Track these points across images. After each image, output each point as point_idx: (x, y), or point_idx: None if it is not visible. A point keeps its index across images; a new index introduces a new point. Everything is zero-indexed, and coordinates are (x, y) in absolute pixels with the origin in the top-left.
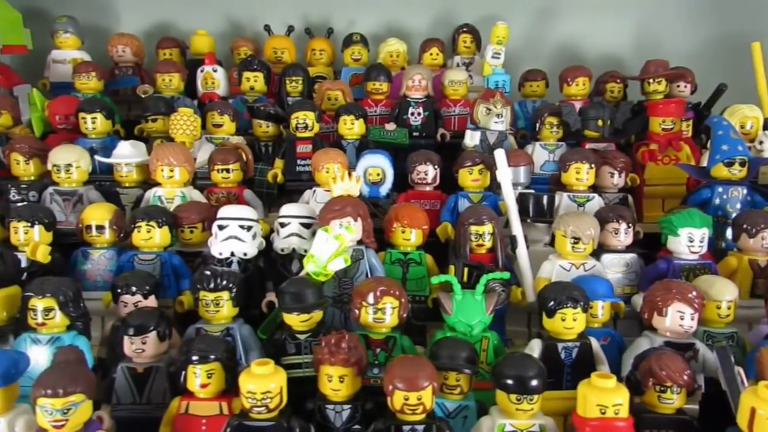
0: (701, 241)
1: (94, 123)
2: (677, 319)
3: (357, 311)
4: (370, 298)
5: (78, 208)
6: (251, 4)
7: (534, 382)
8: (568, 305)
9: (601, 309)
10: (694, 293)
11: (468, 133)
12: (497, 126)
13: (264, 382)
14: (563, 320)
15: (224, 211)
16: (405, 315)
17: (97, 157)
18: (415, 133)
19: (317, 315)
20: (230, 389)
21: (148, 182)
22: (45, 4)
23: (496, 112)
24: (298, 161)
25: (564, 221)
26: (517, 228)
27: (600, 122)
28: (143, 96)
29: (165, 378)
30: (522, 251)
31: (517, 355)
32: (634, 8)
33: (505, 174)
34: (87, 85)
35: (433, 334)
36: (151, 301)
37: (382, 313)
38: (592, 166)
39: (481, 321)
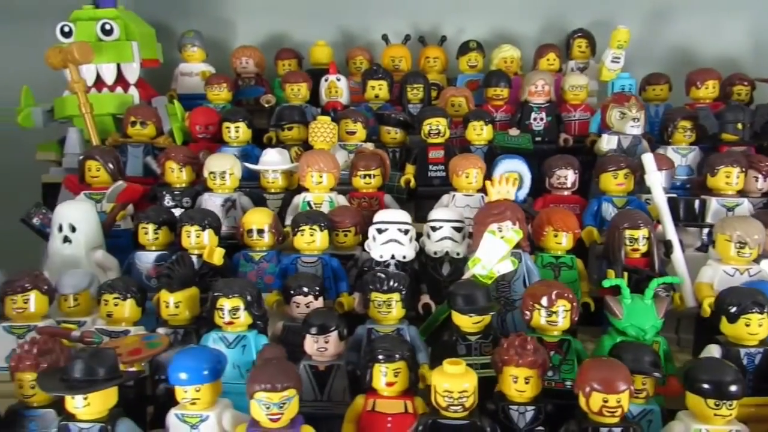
0: None
1: (237, 132)
2: None
3: (529, 313)
4: (544, 301)
5: (231, 213)
6: (363, 14)
7: (734, 387)
8: (754, 310)
9: None
10: None
11: (604, 137)
12: (633, 130)
13: (459, 381)
14: (748, 326)
15: (383, 215)
16: (576, 318)
17: (246, 164)
18: (537, 138)
19: (488, 317)
20: (412, 388)
21: (289, 189)
22: (168, 19)
23: (632, 116)
24: (430, 167)
25: (730, 225)
26: (671, 232)
27: (740, 125)
28: (266, 105)
29: (345, 376)
30: (678, 256)
31: (713, 359)
32: (750, 7)
33: (655, 178)
34: (219, 96)
35: (600, 340)
36: (320, 302)
37: (556, 316)
38: (743, 170)
39: (653, 325)
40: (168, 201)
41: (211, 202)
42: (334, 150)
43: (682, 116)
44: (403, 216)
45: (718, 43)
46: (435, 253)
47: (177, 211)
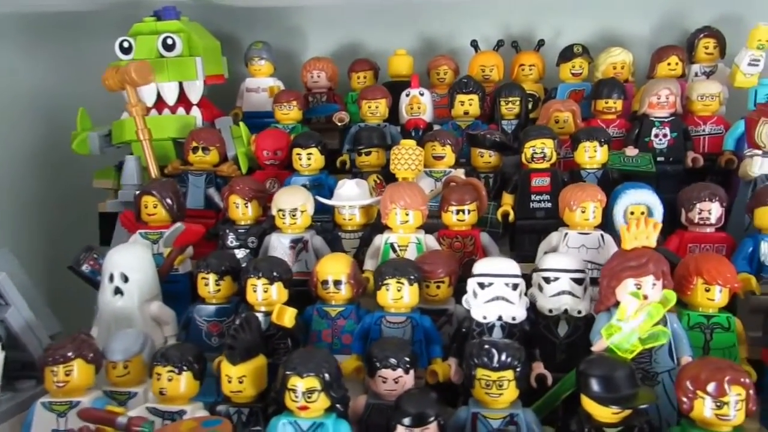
0: None
1: (309, 159)
2: None
3: (688, 402)
4: (712, 388)
5: (302, 256)
6: (446, 19)
7: None
8: None
9: None
10: None
11: (756, 159)
12: None
13: None
14: None
15: (486, 265)
16: (754, 408)
17: (320, 198)
18: (659, 158)
19: None
20: None
21: (368, 224)
22: (234, 30)
23: None
24: (533, 196)
25: None
26: None
27: None
28: (339, 124)
29: None
30: None
31: None
32: None
33: None
34: (288, 116)
35: None
36: (412, 377)
37: (728, 408)
38: None
39: None
40: (231, 241)
41: (279, 243)
42: (418, 178)
43: None
44: (512, 267)
45: None
46: (550, 311)
47: (240, 252)
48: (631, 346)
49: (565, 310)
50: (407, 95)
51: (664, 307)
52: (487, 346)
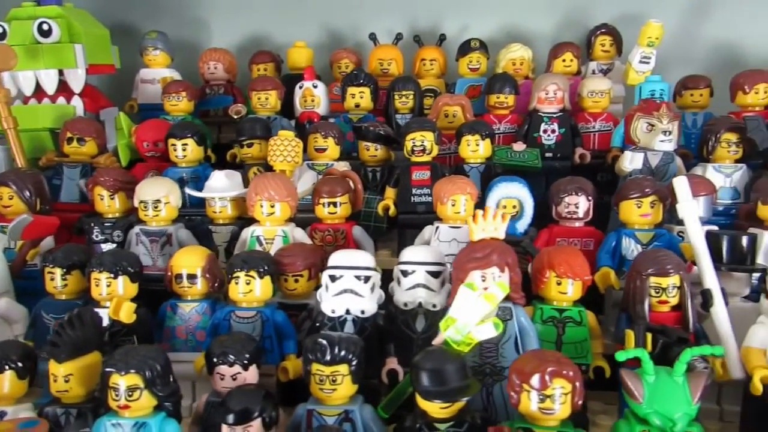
0: None
1: (185, 150)
2: None
3: (516, 396)
4: (536, 381)
5: (167, 249)
6: (352, 12)
7: None
8: None
9: None
10: None
11: (627, 154)
12: (663, 145)
13: None
14: None
15: (337, 257)
16: (579, 402)
17: (188, 190)
18: (547, 154)
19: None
20: None
21: (243, 218)
22: (133, 19)
23: (662, 129)
24: (414, 190)
25: None
26: (711, 279)
27: None
28: (236, 117)
29: None
30: (720, 311)
31: None
32: None
33: (689, 208)
34: (177, 107)
35: (615, 427)
36: (252, 373)
37: (552, 402)
38: None
39: (686, 413)
40: (96, 234)
41: (142, 237)
42: (301, 171)
43: (726, 127)
44: (363, 259)
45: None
46: (405, 304)
47: (107, 247)
48: (465, 338)
49: (420, 304)
50: (300, 87)
51: (495, 298)
52: (320, 341)
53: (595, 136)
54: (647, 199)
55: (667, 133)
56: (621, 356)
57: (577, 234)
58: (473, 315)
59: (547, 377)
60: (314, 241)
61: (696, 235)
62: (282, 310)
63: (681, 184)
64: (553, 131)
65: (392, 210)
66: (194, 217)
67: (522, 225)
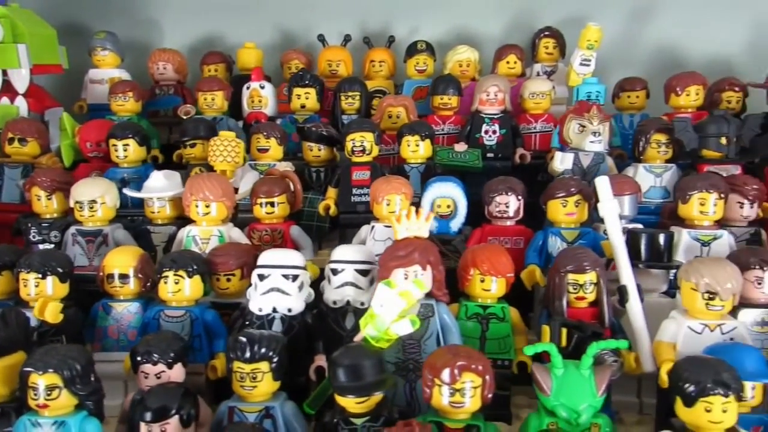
0: None
1: (126, 150)
2: None
3: (428, 390)
4: (446, 376)
5: (103, 250)
6: (305, 13)
7: None
8: (717, 392)
9: (752, 390)
10: None
11: (557, 155)
12: (593, 146)
13: None
14: (708, 411)
15: (265, 256)
16: (489, 395)
17: (126, 191)
18: (489, 155)
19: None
20: None
21: (183, 218)
22: (84, 19)
23: (593, 129)
24: (354, 190)
25: (695, 270)
26: (627, 275)
27: (723, 140)
28: (185, 117)
29: None
30: (635, 306)
31: None
32: (748, 4)
33: (609, 207)
34: (123, 107)
35: (527, 420)
36: (177, 371)
37: (461, 395)
38: (722, 196)
39: (591, 405)
40: (34, 235)
41: (78, 237)
42: (243, 171)
43: (656, 128)
44: (292, 258)
45: (709, 43)
46: (334, 302)
47: (45, 248)
48: (383, 335)
49: (348, 302)
50: (247, 88)
51: (410, 295)
52: (240, 338)
53: (536, 137)
54: (572, 199)
55: (597, 134)
56: (529, 351)
57: (507, 233)
58: (391, 312)
59: (456, 371)
60: (252, 241)
61: (614, 233)
62: (213, 309)
63: (602, 184)
64: (494, 132)
65: (333, 210)
66: (137, 217)
67: (455, 224)
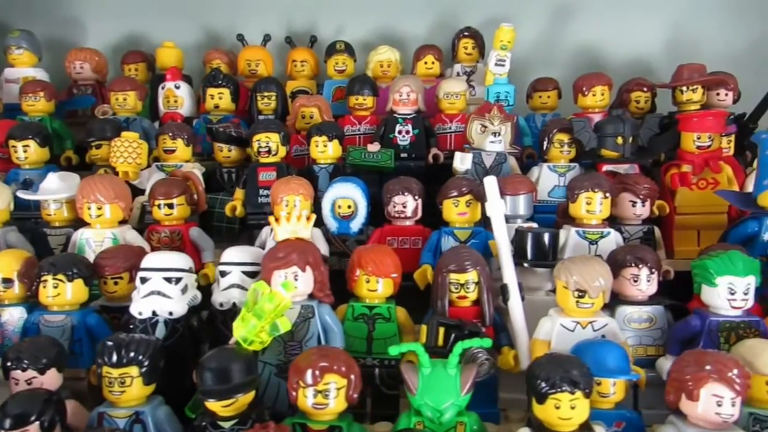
0: (745, 293)
1: (26, 151)
2: (713, 405)
3: (294, 393)
4: (308, 377)
5: None
6: (229, 12)
7: None
8: (564, 389)
9: (613, 387)
10: (736, 371)
11: (457, 155)
12: (493, 146)
13: None
14: (557, 408)
15: (148, 259)
16: (355, 396)
17: (20, 193)
18: (403, 155)
19: (246, 397)
20: None
21: (81, 220)
22: (5, 18)
23: (493, 130)
24: (261, 191)
25: (566, 269)
26: (509, 274)
27: (619, 139)
28: (102, 117)
29: None
30: (515, 304)
31: None
32: (666, 6)
33: (495, 206)
34: (34, 107)
35: (398, 419)
36: (50, 377)
37: (324, 397)
38: (607, 195)
39: (454, 404)
40: None
41: None
42: (149, 172)
43: (558, 128)
44: (175, 260)
45: (628, 45)
46: (221, 304)
47: None
48: (254, 337)
49: (234, 304)
50: (163, 88)
51: (279, 297)
52: (107, 343)
53: (451, 137)
54: (463, 198)
55: (497, 134)
56: (393, 350)
57: (406, 233)
58: (260, 314)
59: (317, 372)
60: (151, 244)
61: (499, 232)
62: (98, 314)
63: (490, 184)
64: (408, 132)
65: (240, 211)
66: (39, 220)
67: (356, 224)
